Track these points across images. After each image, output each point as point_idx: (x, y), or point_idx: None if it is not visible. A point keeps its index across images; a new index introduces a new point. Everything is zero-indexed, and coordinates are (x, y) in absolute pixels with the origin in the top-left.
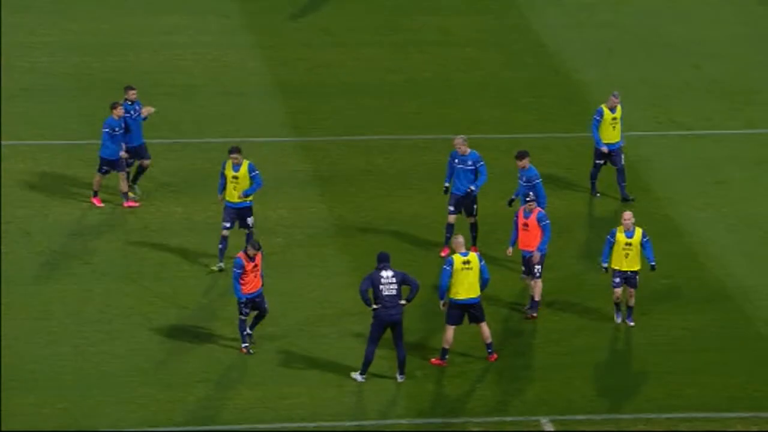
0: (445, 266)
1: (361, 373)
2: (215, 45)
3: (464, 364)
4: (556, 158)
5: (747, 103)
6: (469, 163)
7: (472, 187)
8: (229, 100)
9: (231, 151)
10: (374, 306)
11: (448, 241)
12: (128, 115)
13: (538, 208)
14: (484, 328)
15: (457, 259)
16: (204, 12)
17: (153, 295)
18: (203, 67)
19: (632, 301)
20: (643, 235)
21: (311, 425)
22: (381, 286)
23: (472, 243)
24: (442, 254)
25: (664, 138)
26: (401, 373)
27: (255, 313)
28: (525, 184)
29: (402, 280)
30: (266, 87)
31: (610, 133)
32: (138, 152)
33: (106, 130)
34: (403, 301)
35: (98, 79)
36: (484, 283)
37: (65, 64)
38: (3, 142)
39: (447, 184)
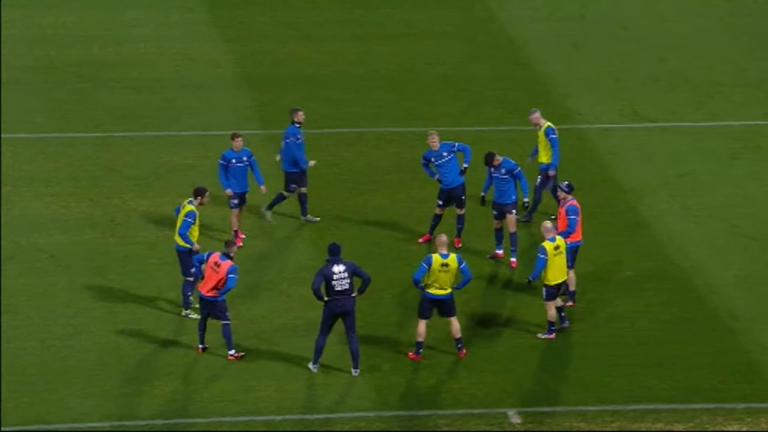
0: (422, 263)
1: (313, 363)
2: (180, 38)
3: (431, 357)
4: (521, 151)
5: (711, 95)
6: (444, 154)
7: (465, 166)
8: (194, 93)
9: (202, 193)
10: (326, 299)
11: (432, 230)
12: (294, 138)
13: (572, 201)
14: (454, 323)
15: (436, 259)
16: (168, 5)
17: (118, 288)
18: (168, 60)
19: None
20: (540, 251)
21: (278, 418)
22: (333, 282)
23: (457, 235)
24: (421, 240)
25: (629, 131)
26: (355, 367)
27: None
28: (504, 176)
29: (353, 272)
30: (231, 80)
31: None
32: (299, 178)
33: (223, 162)
34: (354, 294)
35: (62, 72)
36: (464, 282)
37: (29, 58)
38: None
39: (435, 177)
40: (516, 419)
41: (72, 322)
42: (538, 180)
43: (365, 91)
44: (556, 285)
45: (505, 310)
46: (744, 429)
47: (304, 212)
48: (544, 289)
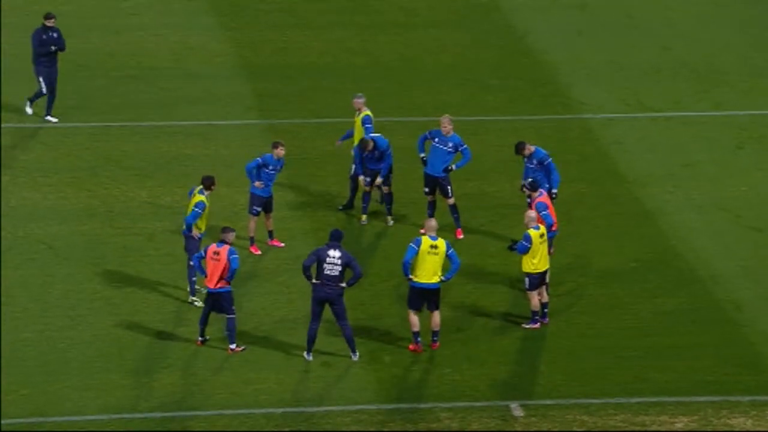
0: (411, 244)
1: (307, 352)
2: (179, 27)
3: (432, 350)
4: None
5: (715, 85)
6: (450, 145)
7: (453, 166)
8: (194, 83)
9: (212, 182)
10: (314, 281)
11: (431, 217)
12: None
13: (539, 198)
14: (436, 316)
15: (425, 241)
16: None
17: (116, 279)
18: (167, 49)
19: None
20: (525, 238)
21: (278, 411)
22: (325, 264)
23: (456, 226)
24: (422, 231)
25: (632, 120)
26: (353, 351)
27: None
28: (535, 167)
29: (347, 264)
30: (231, 69)
31: None
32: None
33: (261, 162)
34: (342, 284)
35: (60, 61)
36: (453, 271)
37: (27, 47)
38: None
39: (422, 155)
40: (518, 412)
41: (70, 314)
42: (353, 168)
43: (366, 80)
44: (539, 274)
45: (508, 302)
46: (748, 421)
47: (389, 213)
48: (526, 278)
